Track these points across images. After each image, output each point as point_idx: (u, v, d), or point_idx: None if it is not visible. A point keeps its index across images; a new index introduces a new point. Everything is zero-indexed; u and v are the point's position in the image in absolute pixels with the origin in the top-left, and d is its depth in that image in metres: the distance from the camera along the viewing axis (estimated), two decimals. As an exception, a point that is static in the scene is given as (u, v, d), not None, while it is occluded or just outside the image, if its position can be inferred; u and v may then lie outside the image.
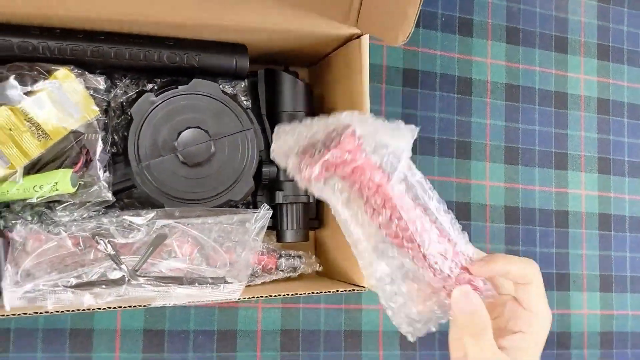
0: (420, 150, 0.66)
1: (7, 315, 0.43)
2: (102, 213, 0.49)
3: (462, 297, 0.38)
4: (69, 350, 0.54)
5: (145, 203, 0.52)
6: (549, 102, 0.72)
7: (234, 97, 0.53)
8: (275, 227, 0.55)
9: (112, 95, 0.50)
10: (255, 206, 0.56)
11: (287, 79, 0.55)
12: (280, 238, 0.55)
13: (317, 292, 0.50)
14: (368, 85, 0.52)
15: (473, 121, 0.69)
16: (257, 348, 0.59)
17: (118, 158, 0.50)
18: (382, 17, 0.45)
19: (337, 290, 0.51)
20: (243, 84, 0.55)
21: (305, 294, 0.49)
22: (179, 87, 0.50)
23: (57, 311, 0.44)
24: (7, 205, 0.48)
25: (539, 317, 0.40)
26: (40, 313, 0.44)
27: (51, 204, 0.48)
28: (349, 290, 0.51)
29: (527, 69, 0.72)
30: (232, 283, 0.48)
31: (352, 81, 0.53)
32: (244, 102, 0.55)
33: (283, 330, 0.60)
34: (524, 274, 0.39)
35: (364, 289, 0.51)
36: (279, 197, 0.54)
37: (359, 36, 0.53)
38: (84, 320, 0.55)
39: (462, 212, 0.67)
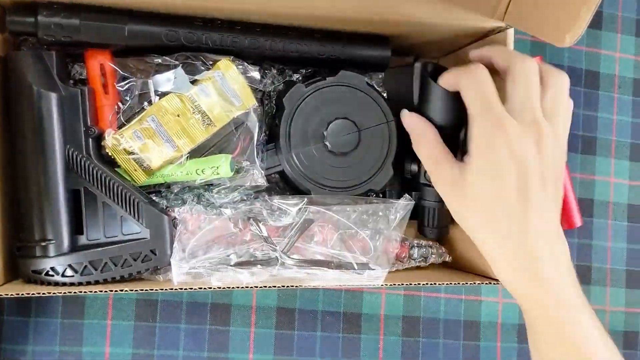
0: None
1: (175, 289, 0.46)
2: (253, 197, 0.51)
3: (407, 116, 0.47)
4: (209, 323, 0.58)
5: (288, 189, 0.54)
6: (678, 98, 0.70)
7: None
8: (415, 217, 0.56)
9: (263, 84, 0.53)
10: (385, 195, 0.57)
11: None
12: (421, 231, 0.56)
13: (459, 283, 0.51)
14: (511, 80, 0.52)
15: (599, 116, 0.67)
16: (380, 332, 0.61)
17: (269, 145, 0.52)
18: (543, 14, 0.45)
19: (474, 283, 0.52)
20: (380, 75, 0.57)
21: (450, 284, 0.51)
22: (327, 78, 0.51)
23: (219, 287, 0.47)
24: (168, 186, 0.51)
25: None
26: (203, 288, 0.47)
27: (206, 186, 0.51)
28: (485, 283, 0.52)
29: (656, 64, 0.70)
30: (375, 270, 0.50)
31: (493, 75, 0.53)
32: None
33: (405, 316, 0.62)
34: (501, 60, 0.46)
35: (498, 282, 0.52)
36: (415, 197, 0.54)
37: (500, 30, 0.53)
38: (224, 296, 0.58)
39: (584, 206, 0.66)
